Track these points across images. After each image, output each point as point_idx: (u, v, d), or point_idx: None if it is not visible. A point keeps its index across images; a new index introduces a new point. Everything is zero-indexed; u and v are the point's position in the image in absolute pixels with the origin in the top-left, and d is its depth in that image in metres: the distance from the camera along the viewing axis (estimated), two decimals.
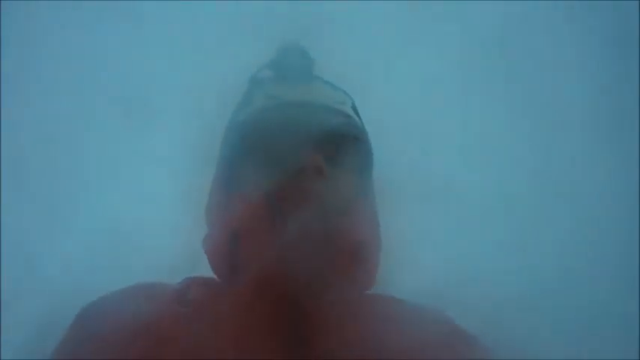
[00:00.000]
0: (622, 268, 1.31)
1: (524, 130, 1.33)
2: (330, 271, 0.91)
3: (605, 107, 1.35)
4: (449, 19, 1.32)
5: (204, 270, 0.96)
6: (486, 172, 1.31)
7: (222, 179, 1.01)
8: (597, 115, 1.35)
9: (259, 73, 1.05)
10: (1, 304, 1.13)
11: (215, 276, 0.96)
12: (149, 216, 1.22)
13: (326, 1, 1.28)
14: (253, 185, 0.95)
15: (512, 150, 1.32)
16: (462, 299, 1.08)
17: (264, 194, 0.94)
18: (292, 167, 0.94)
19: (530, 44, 1.36)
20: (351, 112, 1.04)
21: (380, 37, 1.31)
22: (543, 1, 1.35)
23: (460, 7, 1.32)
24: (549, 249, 1.31)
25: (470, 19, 1.32)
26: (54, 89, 1.28)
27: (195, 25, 1.35)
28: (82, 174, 1.29)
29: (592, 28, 1.35)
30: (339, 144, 0.98)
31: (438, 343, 0.90)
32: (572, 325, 1.29)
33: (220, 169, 1.03)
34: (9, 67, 1.18)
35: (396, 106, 1.31)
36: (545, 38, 1.36)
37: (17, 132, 1.22)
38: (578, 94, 1.36)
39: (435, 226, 1.29)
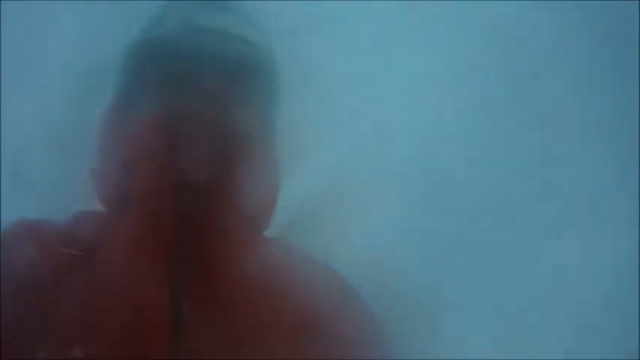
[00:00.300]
0: (622, 268, 1.31)
1: (523, 130, 1.33)
2: (224, 205, 0.90)
3: (605, 107, 1.35)
4: (448, 19, 1.32)
5: None
6: (484, 172, 1.30)
7: (119, 101, 0.99)
8: (597, 115, 1.35)
9: None
10: None
11: (104, 209, 0.93)
12: None
13: (324, 1, 1.28)
14: (152, 109, 0.93)
15: (512, 150, 1.32)
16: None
17: (163, 119, 0.92)
18: (196, 94, 0.92)
19: (529, 44, 1.36)
20: (265, 46, 1.02)
21: (378, 36, 1.31)
22: (543, 1, 1.35)
23: (460, 7, 1.32)
24: (549, 249, 1.31)
25: (469, 19, 1.32)
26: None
27: None
28: None
29: (592, 28, 1.35)
30: (247, 75, 0.97)
31: (324, 296, 0.89)
32: (572, 325, 1.29)
33: (119, 89, 1.00)
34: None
35: (394, 106, 1.31)
36: (545, 38, 1.36)
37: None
38: (578, 93, 1.36)
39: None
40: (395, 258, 1.20)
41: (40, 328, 0.82)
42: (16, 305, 0.83)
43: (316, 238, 1.10)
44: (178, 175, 0.88)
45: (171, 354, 0.81)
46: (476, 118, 1.32)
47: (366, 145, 1.26)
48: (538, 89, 1.35)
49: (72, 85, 1.16)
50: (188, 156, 0.89)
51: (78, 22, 1.17)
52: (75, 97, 1.15)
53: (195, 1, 1.00)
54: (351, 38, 1.29)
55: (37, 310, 0.82)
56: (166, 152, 0.89)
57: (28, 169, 1.14)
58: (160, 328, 0.82)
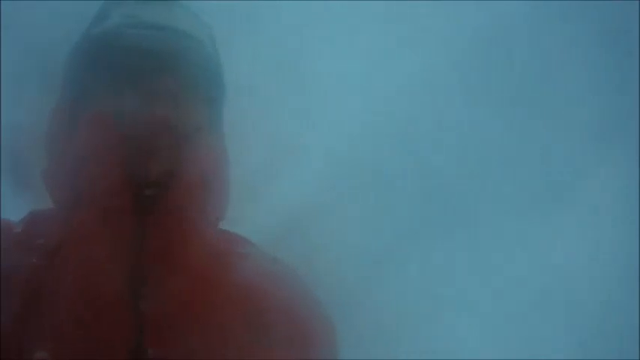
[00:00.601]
0: (622, 268, 1.31)
1: (522, 130, 1.33)
2: (177, 200, 0.91)
3: (605, 107, 1.35)
4: (446, 19, 1.31)
5: None
6: (482, 172, 1.30)
7: (67, 100, 0.98)
8: (597, 115, 1.35)
9: None
10: None
11: (57, 208, 0.94)
12: None
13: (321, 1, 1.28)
14: (102, 108, 0.94)
15: (511, 150, 1.32)
16: None
17: (112, 117, 0.92)
18: (144, 91, 0.93)
19: (528, 44, 1.36)
20: (208, 42, 1.02)
21: (376, 35, 1.30)
22: (542, 0, 1.35)
23: (459, 6, 1.31)
24: (548, 249, 1.31)
25: (468, 19, 1.32)
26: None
27: None
28: None
29: (592, 28, 1.35)
30: (194, 71, 0.97)
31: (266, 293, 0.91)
32: (572, 325, 1.29)
33: (66, 88, 0.99)
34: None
35: (391, 105, 1.31)
36: (545, 38, 1.36)
37: None
38: (578, 93, 1.35)
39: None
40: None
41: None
42: None
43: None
44: (130, 172, 0.89)
45: (132, 345, 0.83)
46: (475, 118, 1.32)
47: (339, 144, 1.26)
48: (538, 89, 1.35)
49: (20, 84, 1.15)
50: (139, 153, 0.89)
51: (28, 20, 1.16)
52: (25, 97, 1.14)
53: None
54: (349, 37, 1.29)
55: None
56: (117, 150, 0.89)
57: None
58: (120, 321, 0.84)
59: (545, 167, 1.33)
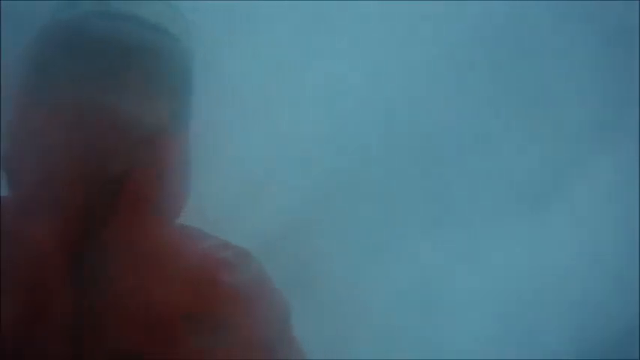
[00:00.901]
0: (622, 269, 1.31)
1: (521, 130, 1.33)
2: (132, 195, 0.91)
3: (605, 107, 1.35)
4: (447, 18, 1.32)
5: None
6: (482, 171, 1.31)
7: (29, 84, 0.97)
8: (597, 115, 1.35)
9: None
10: None
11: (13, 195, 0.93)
12: None
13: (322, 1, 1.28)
14: (63, 99, 0.92)
15: (510, 149, 1.32)
16: None
17: (73, 109, 0.91)
18: (106, 85, 0.92)
19: (527, 44, 1.36)
20: (183, 37, 1.00)
21: (376, 35, 1.31)
22: (542, 0, 1.35)
23: (457, 7, 1.32)
24: (548, 249, 1.31)
25: (467, 19, 1.32)
26: None
27: None
28: None
29: (592, 28, 1.35)
30: (161, 67, 0.96)
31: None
32: (572, 326, 1.29)
33: (29, 72, 0.97)
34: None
35: (390, 105, 1.31)
36: (545, 38, 1.36)
37: None
38: (578, 93, 1.35)
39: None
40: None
41: None
42: None
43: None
44: (87, 166, 0.88)
45: (70, 334, 0.84)
46: (476, 119, 1.32)
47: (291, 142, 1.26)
48: (538, 89, 1.35)
49: None
50: (97, 148, 0.89)
51: None
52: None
53: None
54: (347, 37, 1.30)
55: None
56: (75, 144, 0.89)
57: None
58: (60, 312, 0.84)
59: (544, 167, 1.33)
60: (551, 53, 1.36)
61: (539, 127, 1.35)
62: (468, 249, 1.29)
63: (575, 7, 1.34)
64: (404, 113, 1.29)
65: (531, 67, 1.37)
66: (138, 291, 0.86)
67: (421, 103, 1.31)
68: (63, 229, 0.88)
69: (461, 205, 1.29)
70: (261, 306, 0.90)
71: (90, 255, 0.88)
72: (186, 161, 0.97)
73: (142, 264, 0.88)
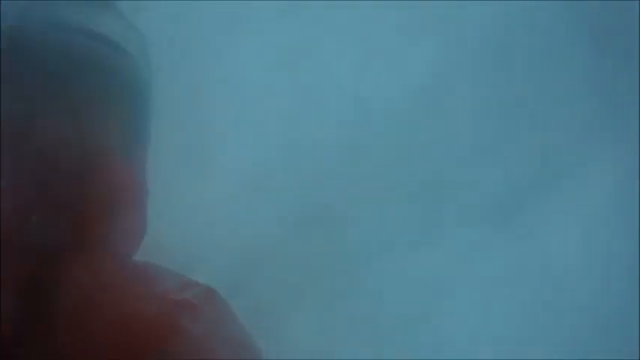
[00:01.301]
0: (622, 269, 1.31)
1: (521, 129, 1.33)
2: (75, 232, 0.82)
3: (605, 107, 1.35)
4: (445, 18, 1.32)
5: None
6: (482, 172, 1.31)
7: None
8: (597, 115, 1.35)
9: None
10: None
11: None
12: None
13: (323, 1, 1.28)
14: (5, 112, 0.82)
15: (509, 149, 1.32)
16: None
17: (16, 124, 0.82)
18: (52, 104, 0.83)
19: (527, 44, 1.36)
20: (136, 53, 0.91)
21: (375, 35, 1.31)
22: (541, 0, 1.35)
23: (457, 6, 1.32)
24: (548, 248, 1.31)
25: (467, 18, 1.32)
26: None
27: None
28: None
29: (592, 28, 1.35)
30: (115, 88, 0.87)
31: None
32: (572, 325, 1.29)
33: None
34: None
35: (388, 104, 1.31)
36: (545, 38, 1.36)
37: None
38: (578, 93, 1.35)
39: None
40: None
41: None
42: None
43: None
44: (19, 198, 0.79)
45: None
46: (474, 119, 1.33)
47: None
48: (537, 89, 1.35)
49: None
50: (32, 175, 0.80)
51: None
52: None
53: None
54: (347, 37, 1.30)
55: None
56: (9, 174, 0.79)
57: None
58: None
59: (543, 166, 1.33)
60: (549, 53, 1.36)
61: (539, 127, 1.35)
62: (468, 249, 1.29)
63: (575, 7, 1.34)
64: (404, 114, 1.29)
65: (531, 67, 1.37)
66: (82, 341, 0.79)
67: (421, 104, 1.32)
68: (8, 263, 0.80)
69: (459, 208, 1.30)
70: (226, 353, 0.81)
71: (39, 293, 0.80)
72: (141, 190, 0.89)
73: (88, 308, 0.80)
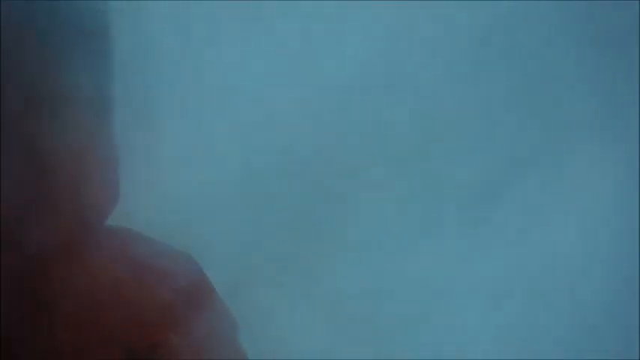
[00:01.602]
0: (622, 268, 1.31)
1: (520, 128, 1.33)
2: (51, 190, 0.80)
3: (605, 107, 1.35)
4: (445, 18, 1.32)
5: None
6: (482, 172, 1.31)
7: None
8: (597, 115, 1.35)
9: None
10: None
11: None
12: None
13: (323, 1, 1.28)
14: None
15: (508, 148, 1.32)
16: None
17: None
18: (13, 61, 0.78)
19: (527, 43, 1.36)
20: (103, 10, 0.86)
21: (374, 39, 1.31)
22: (544, 1, 1.35)
23: (457, 6, 1.32)
24: (548, 248, 1.31)
25: (467, 18, 1.32)
26: None
27: None
28: None
29: (592, 28, 1.35)
30: (78, 40, 0.83)
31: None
32: (572, 325, 1.29)
33: None
34: None
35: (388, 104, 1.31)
36: (544, 38, 1.36)
37: None
38: (578, 93, 1.35)
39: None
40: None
41: None
42: None
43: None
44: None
45: None
46: (475, 119, 1.33)
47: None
48: (538, 89, 1.35)
49: None
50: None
51: None
52: None
53: None
54: (347, 37, 1.30)
55: None
56: None
57: None
58: None
59: (543, 165, 1.33)
60: (549, 53, 1.36)
61: (539, 127, 1.35)
62: (467, 249, 1.29)
63: (575, 7, 1.34)
64: (404, 113, 1.29)
65: (531, 67, 1.37)
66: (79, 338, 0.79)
67: (420, 101, 1.32)
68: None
69: (462, 204, 1.30)
70: (204, 320, 0.82)
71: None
72: (114, 153, 0.86)
73: (83, 304, 0.79)
